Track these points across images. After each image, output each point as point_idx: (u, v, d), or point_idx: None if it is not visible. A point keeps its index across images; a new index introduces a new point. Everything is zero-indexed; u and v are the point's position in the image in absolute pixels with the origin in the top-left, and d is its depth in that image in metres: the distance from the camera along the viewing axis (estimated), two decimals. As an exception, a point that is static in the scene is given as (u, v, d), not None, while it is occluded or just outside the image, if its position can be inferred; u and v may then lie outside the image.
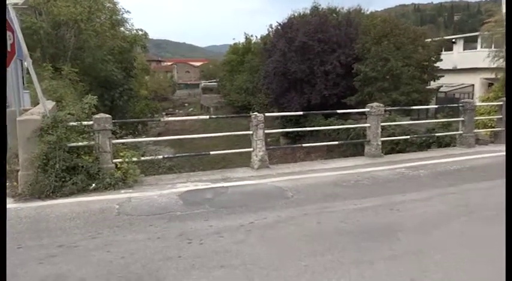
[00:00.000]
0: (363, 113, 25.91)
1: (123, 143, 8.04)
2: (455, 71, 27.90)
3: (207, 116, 7.42)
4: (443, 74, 25.55)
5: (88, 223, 5.27)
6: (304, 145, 9.29)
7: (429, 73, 24.45)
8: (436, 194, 6.43)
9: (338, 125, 23.28)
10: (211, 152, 8.15)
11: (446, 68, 26.30)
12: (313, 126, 25.23)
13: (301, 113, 10.20)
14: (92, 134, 7.23)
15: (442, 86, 25.17)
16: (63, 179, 6.51)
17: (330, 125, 23.71)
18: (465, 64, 27.15)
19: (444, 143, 16.61)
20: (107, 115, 7.25)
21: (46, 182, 6.34)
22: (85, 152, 7.06)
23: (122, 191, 6.73)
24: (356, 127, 11.50)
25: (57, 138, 6.55)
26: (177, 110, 53.33)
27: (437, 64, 24.82)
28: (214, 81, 49.67)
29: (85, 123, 7.22)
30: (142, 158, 7.63)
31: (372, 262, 4.13)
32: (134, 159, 7.42)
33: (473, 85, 26.91)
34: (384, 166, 8.28)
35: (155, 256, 4.30)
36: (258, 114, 8.11)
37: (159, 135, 38.17)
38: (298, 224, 5.17)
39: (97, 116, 7.21)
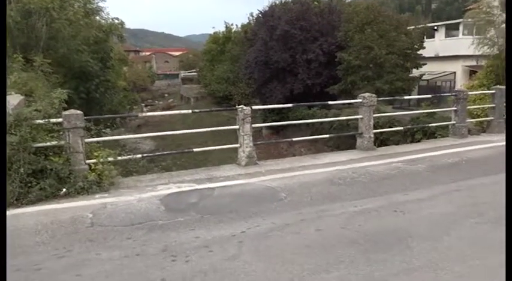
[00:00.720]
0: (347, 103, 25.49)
1: (98, 142, 7.32)
2: (437, 58, 27.68)
3: (190, 110, 6.71)
4: (425, 62, 25.27)
5: (56, 237, 4.58)
6: (294, 139, 8.64)
7: (412, 61, 24.10)
8: (440, 192, 5.93)
9: (321, 115, 22.86)
10: (195, 150, 7.47)
11: (429, 56, 26.03)
12: (296, 116, 24.77)
13: (289, 105, 9.35)
14: (61, 132, 6.49)
15: (424, 74, 24.92)
16: (28, 185, 5.76)
17: (313, 116, 23.31)
18: (447, 52, 26.92)
19: (429, 132, 16.34)
20: (78, 111, 6.50)
21: (9, 188, 5.59)
22: (54, 153, 6.31)
23: (97, 195, 6.03)
24: (348, 119, 10.78)
25: (21, 138, 5.79)
26: (156, 101, 52.12)
27: (420, 52, 24.50)
28: (194, 71, 48.59)
29: (54, 120, 6.46)
30: (119, 158, 6.91)
31: (385, 279, 3.58)
32: (110, 159, 6.71)
33: (454, 73, 26.73)
34: (379, 160, 7.76)
35: (134, 278, 3.66)
36: (245, 108, 7.47)
37: (138, 127, 37.37)
38: (295, 232, 4.58)
39: (67, 112, 6.45)
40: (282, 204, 5.51)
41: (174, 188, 6.30)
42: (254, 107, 7.74)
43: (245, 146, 7.56)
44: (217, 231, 4.65)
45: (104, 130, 27.54)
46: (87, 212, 5.32)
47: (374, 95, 8.74)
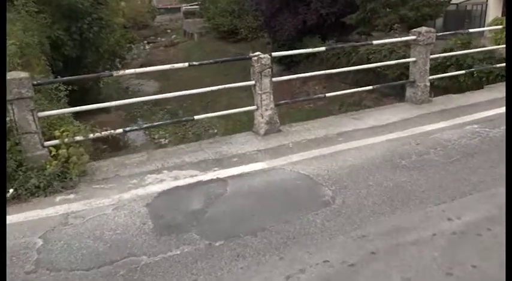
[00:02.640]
0: (363, 33, 22.63)
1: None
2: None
3: (186, 64, 4.58)
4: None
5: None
6: (318, 73, 6.34)
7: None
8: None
9: (338, 50, 20.27)
10: (196, 117, 5.40)
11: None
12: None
13: (321, 48, 6.78)
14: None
15: (453, -3, 21.73)
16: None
17: (329, 49, 20.70)
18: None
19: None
20: (22, 74, 4.36)
21: None
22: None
23: (58, 198, 4.09)
24: (399, 63, 8.02)
25: None
26: (159, 38, 48.70)
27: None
28: (196, 4, 44.74)
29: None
30: (92, 136, 4.85)
31: None
32: (78, 138, 4.69)
33: (485, -5, 23.30)
34: (444, 121, 5.62)
35: None
36: (262, 56, 5.26)
37: (141, 66, 34.81)
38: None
39: (7, 76, 4.33)
40: (330, 214, 3.52)
41: (168, 180, 4.33)
42: (275, 53, 5.51)
43: (264, 108, 5.45)
44: (237, 284, 2.74)
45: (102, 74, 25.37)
46: (34, 237, 3.41)
47: (432, 29, 6.40)
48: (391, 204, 3.60)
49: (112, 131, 4.88)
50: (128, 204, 3.87)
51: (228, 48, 30.43)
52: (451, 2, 21.34)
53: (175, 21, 54.06)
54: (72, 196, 4.12)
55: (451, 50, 15.33)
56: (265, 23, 24.62)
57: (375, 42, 6.64)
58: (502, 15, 17.96)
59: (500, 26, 10.02)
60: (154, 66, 5.21)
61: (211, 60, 5.18)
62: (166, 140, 20.27)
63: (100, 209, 3.81)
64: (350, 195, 3.78)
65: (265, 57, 5.29)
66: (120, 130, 4.93)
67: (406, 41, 6.45)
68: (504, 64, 6.13)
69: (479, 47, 11.63)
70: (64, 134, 4.57)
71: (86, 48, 20.97)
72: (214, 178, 4.31)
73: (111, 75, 4.67)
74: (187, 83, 27.37)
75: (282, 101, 5.88)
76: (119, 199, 3.99)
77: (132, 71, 4.92)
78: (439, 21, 22.82)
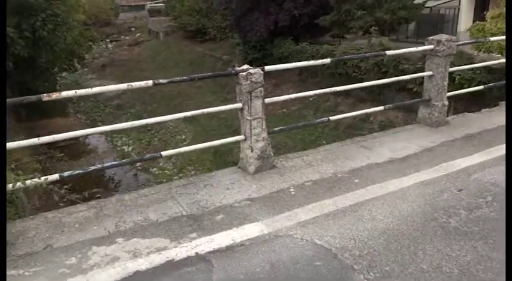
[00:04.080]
0: (337, 35, 21.56)
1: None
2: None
3: (150, 82, 3.14)
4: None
5: None
6: (323, 91, 4.94)
7: (414, -16, 20.05)
8: None
9: (312, 52, 19.14)
10: (164, 153, 3.92)
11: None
12: (282, 52, 20.92)
13: (328, 60, 4.96)
14: None
15: (427, 1, 21.05)
16: None
17: (302, 52, 19.55)
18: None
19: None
20: None
21: None
22: None
23: None
24: (412, 78, 5.89)
25: None
26: (122, 36, 46.12)
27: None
28: (162, 2, 42.62)
29: None
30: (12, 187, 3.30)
31: None
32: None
33: (459, -1, 22.79)
34: (478, 154, 4.40)
35: None
36: (253, 71, 3.87)
37: (102, 67, 32.59)
38: None
39: None
40: None
41: (123, 260, 2.87)
42: (268, 67, 4.13)
43: (254, 138, 4.07)
44: None
45: (60, 75, 23.19)
46: None
47: (453, 37, 5.21)
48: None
49: (44, 178, 3.34)
50: (57, 312, 2.41)
51: (195, 48, 28.78)
52: (425, 6, 20.65)
53: (139, 19, 51.56)
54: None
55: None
56: (235, 22, 23.18)
57: (388, 52, 5.34)
58: (474, 20, 17.36)
59: (490, 38, 9.12)
60: (105, 87, 3.72)
61: (185, 77, 3.75)
62: (130, 148, 18.51)
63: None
64: (401, 293, 2.47)
65: (257, 73, 3.90)
66: (56, 176, 3.40)
67: (423, 51, 5.20)
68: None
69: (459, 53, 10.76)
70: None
71: (40, 47, 18.83)
72: (192, 254, 2.89)
73: (41, 99, 3.13)
74: (153, 87, 25.60)
75: (277, 129, 4.50)
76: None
77: (71, 93, 3.39)
78: (412, 26, 22.18)
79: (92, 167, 3.99)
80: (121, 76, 29.21)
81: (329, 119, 4.71)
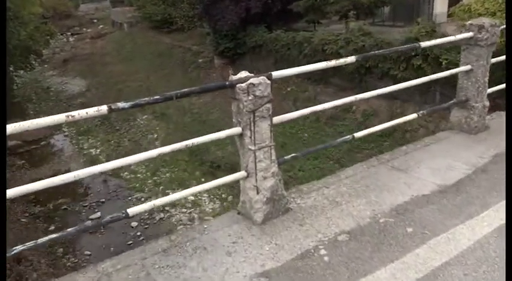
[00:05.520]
0: (312, 21, 20.27)
1: None
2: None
3: (104, 107, 1.84)
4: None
5: None
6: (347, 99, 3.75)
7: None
8: None
9: (287, 39, 17.81)
10: (129, 211, 2.63)
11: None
12: (255, 41, 19.48)
13: (353, 58, 3.62)
14: None
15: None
16: None
17: (277, 40, 18.20)
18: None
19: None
20: None
21: None
22: None
23: None
24: (452, 73, 4.53)
25: None
26: (84, 29, 43.27)
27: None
28: (124, -9, 40.14)
29: None
30: None
31: None
32: None
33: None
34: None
35: None
36: (256, 80, 2.60)
37: (64, 62, 30.24)
38: None
39: None
40: None
41: None
42: (276, 72, 2.85)
43: (261, 175, 2.82)
44: None
45: (16, 74, 21.00)
46: None
47: (497, 22, 4.07)
48: None
49: None
50: None
51: (162, 39, 26.94)
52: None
53: (102, 11, 48.55)
54: None
55: (416, 39, 13.39)
56: (204, 11, 21.54)
57: (422, 44, 4.10)
58: (450, 2, 16.54)
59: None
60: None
61: (157, 97, 2.45)
62: (98, 150, 16.86)
63: None
64: None
65: (263, 83, 2.62)
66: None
67: (462, 39, 4.04)
68: None
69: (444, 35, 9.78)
70: None
71: (-11, 44, 16.63)
72: None
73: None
74: (118, 79, 23.68)
75: (288, 157, 3.22)
76: None
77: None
78: (387, 9, 21.18)
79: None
80: (84, 71, 27.11)
81: (353, 137, 3.47)
